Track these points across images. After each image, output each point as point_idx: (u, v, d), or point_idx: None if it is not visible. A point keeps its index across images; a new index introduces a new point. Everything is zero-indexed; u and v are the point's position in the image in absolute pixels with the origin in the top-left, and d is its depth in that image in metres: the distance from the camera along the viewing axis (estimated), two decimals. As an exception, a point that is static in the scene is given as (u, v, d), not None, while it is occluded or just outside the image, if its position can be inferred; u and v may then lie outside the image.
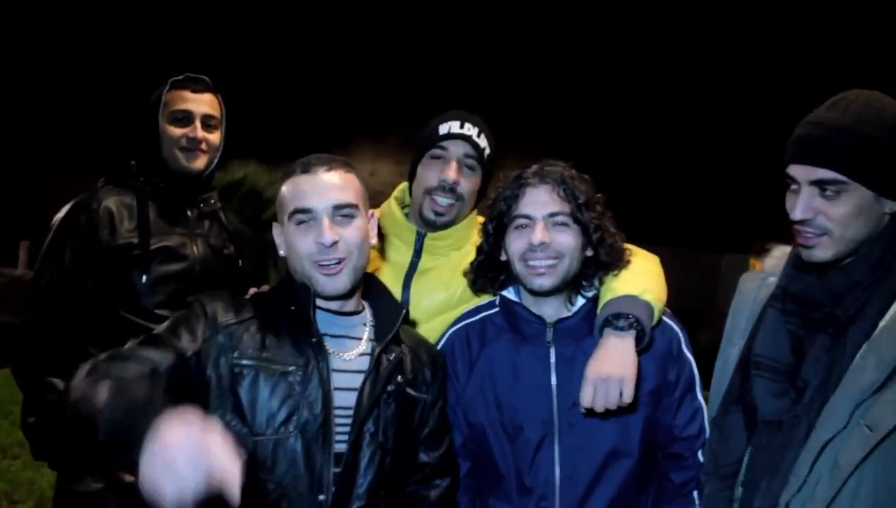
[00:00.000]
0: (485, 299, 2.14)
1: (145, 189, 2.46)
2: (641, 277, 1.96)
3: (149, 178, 2.47)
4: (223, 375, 1.68)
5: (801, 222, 1.58)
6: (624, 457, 1.91)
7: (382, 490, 1.75)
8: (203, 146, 2.47)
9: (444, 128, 2.23)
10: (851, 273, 1.58)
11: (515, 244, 1.93)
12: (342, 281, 1.76)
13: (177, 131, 2.44)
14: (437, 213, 2.24)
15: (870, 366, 1.48)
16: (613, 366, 1.79)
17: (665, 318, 1.98)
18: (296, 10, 9.62)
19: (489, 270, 2.05)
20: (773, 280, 1.77)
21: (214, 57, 7.98)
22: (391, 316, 1.88)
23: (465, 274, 2.12)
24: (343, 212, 1.76)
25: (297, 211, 1.75)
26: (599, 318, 1.88)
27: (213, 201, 2.60)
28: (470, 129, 2.23)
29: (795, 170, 1.58)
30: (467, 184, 2.25)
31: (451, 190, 2.22)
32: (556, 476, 1.89)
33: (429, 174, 2.25)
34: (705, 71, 9.36)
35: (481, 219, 2.18)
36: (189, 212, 2.52)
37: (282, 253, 1.85)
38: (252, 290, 2.05)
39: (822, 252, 1.58)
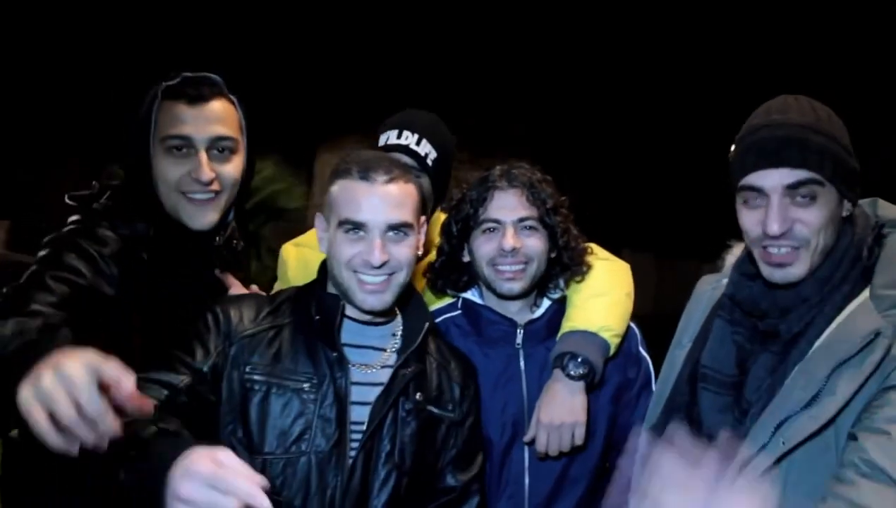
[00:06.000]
0: (444, 301, 2.12)
1: (134, 237, 1.71)
2: (604, 303, 1.97)
3: (141, 222, 1.73)
4: (234, 389, 1.61)
5: (776, 237, 1.46)
6: (588, 455, 1.96)
7: None
8: (215, 186, 1.72)
9: (382, 139, 2.14)
10: (800, 287, 1.50)
11: (484, 248, 1.93)
12: (383, 300, 1.67)
13: (174, 170, 1.70)
14: None
15: (798, 386, 1.43)
16: (565, 414, 1.84)
17: None
18: (285, 1, 9.56)
19: (451, 271, 2.04)
20: (726, 281, 1.71)
21: (203, 48, 7.91)
22: (417, 328, 1.76)
23: (425, 274, 2.11)
24: (398, 230, 1.65)
25: (348, 221, 1.63)
26: (555, 352, 1.91)
27: (226, 253, 1.89)
28: (408, 138, 2.10)
29: (762, 179, 1.46)
30: None
31: None
32: (525, 475, 1.93)
33: None
34: (690, 75, 9.43)
35: (443, 217, 2.14)
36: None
37: (322, 249, 1.73)
38: (253, 288, 1.90)
39: (800, 267, 1.48)
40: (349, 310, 1.71)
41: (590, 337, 1.89)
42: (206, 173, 1.70)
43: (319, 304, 1.69)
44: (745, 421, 1.52)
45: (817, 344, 1.46)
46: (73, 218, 1.72)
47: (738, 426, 1.52)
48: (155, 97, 1.73)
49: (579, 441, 1.85)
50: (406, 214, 1.66)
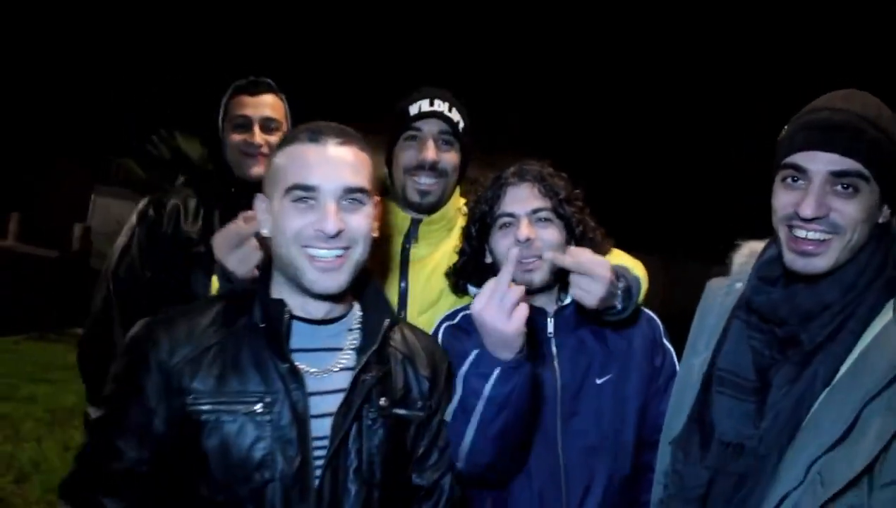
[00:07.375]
0: (467, 301, 2.09)
1: (214, 191, 2.55)
2: (627, 263, 1.99)
3: (220, 182, 2.57)
4: (181, 426, 1.40)
5: (809, 221, 1.40)
6: (621, 445, 1.92)
7: None
8: (264, 150, 2.48)
9: (414, 109, 2.18)
10: (822, 293, 1.44)
11: (502, 243, 1.93)
12: (338, 280, 1.47)
13: (237, 137, 2.51)
14: (422, 193, 2.18)
15: (827, 420, 1.34)
16: (595, 258, 1.80)
17: (645, 310, 2.03)
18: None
19: (474, 273, 2.05)
20: (740, 286, 1.64)
21: (202, 46, 7.90)
22: (377, 325, 1.56)
23: (447, 276, 2.12)
24: (353, 196, 1.47)
25: (297, 186, 1.44)
26: None
27: None
28: (440, 105, 2.18)
29: (808, 159, 1.40)
30: (449, 158, 2.19)
31: (431, 168, 2.16)
32: (560, 465, 1.88)
33: (406, 155, 2.19)
34: (697, 74, 9.38)
35: (463, 201, 2.17)
36: None
37: (264, 232, 1.54)
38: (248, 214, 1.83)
39: (826, 259, 1.41)
40: (298, 311, 1.52)
41: (624, 269, 1.90)
42: (259, 138, 2.50)
43: (263, 310, 1.49)
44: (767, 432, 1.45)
45: (843, 369, 1.38)
46: (181, 179, 2.80)
47: (760, 437, 1.46)
48: (227, 93, 2.56)
49: (590, 294, 1.77)
50: (361, 179, 1.48)
